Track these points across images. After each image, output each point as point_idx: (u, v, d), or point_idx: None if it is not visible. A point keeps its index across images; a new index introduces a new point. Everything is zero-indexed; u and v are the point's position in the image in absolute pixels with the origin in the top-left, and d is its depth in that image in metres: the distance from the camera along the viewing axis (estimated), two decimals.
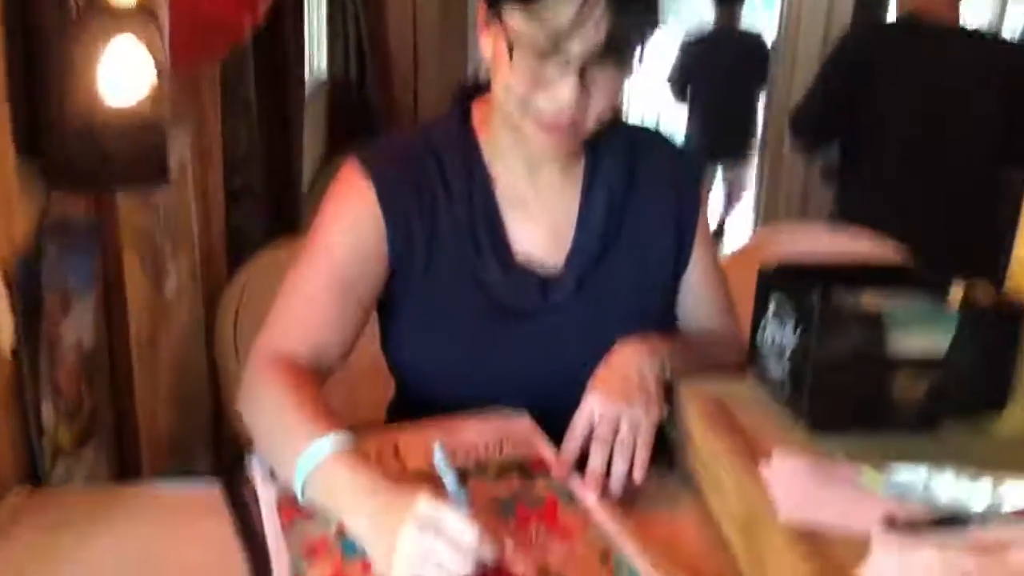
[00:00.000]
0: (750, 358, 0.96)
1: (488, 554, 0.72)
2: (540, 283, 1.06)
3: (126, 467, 1.32)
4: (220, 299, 1.57)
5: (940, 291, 0.93)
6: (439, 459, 0.73)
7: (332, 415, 0.88)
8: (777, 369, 0.91)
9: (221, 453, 1.70)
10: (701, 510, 0.90)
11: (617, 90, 0.97)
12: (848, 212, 2.43)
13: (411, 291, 1.05)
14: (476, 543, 0.71)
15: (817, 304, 0.85)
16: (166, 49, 0.99)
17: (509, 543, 0.76)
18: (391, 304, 1.07)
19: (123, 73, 0.92)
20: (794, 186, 3.62)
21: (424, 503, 0.73)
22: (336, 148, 3.18)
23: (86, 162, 0.91)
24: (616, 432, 0.91)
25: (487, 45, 0.99)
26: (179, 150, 1.52)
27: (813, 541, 0.73)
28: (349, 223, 1.03)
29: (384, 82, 3.33)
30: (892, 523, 0.76)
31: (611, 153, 1.09)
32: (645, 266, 1.10)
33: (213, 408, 1.69)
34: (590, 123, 0.98)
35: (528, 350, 1.05)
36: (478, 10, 0.99)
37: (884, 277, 0.95)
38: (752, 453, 0.85)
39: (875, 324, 0.85)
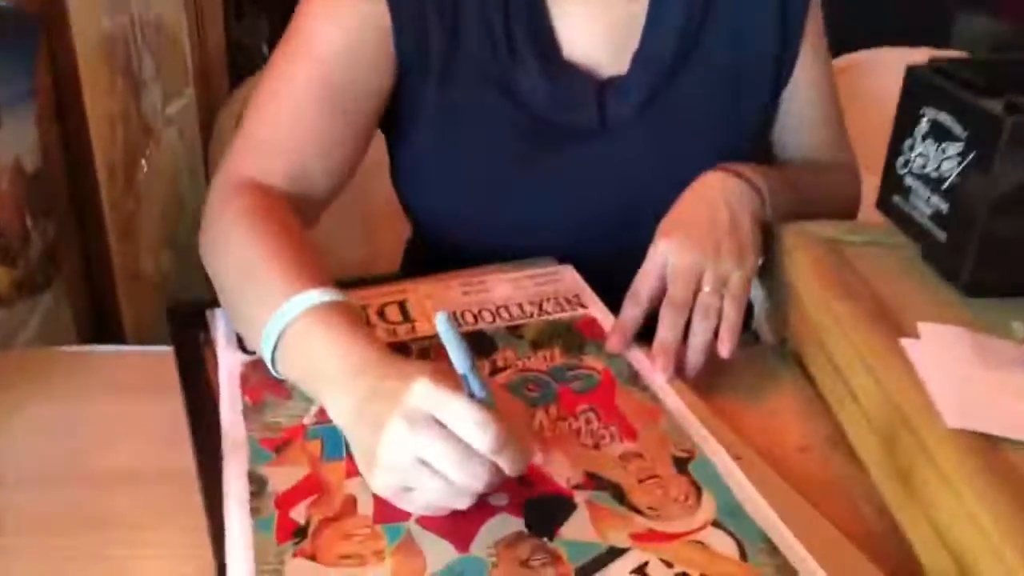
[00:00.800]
0: (884, 193, 0.71)
1: (511, 463, 0.50)
2: (596, 92, 0.80)
3: (103, 324, 1.12)
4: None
5: None
6: (443, 330, 0.50)
7: (318, 264, 0.65)
8: (926, 208, 0.66)
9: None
10: (808, 396, 0.67)
11: None
12: None
13: (423, 103, 0.80)
14: (493, 446, 0.49)
15: (1003, 115, 0.58)
16: None
17: (539, 454, 0.54)
18: (399, 121, 0.82)
19: None
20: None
21: (421, 387, 0.50)
22: None
23: None
24: (696, 291, 0.68)
25: None
26: None
27: (987, 453, 0.50)
28: (340, 9, 0.76)
29: None
30: None
31: None
32: (737, 74, 0.83)
33: None
34: None
35: (577, 183, 0.80)
36: None
37: None
38: (889, 323, 0.61)
39: None
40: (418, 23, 0.77)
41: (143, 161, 1.21)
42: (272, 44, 1.64)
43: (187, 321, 0.72)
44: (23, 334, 0.90)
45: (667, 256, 0.69)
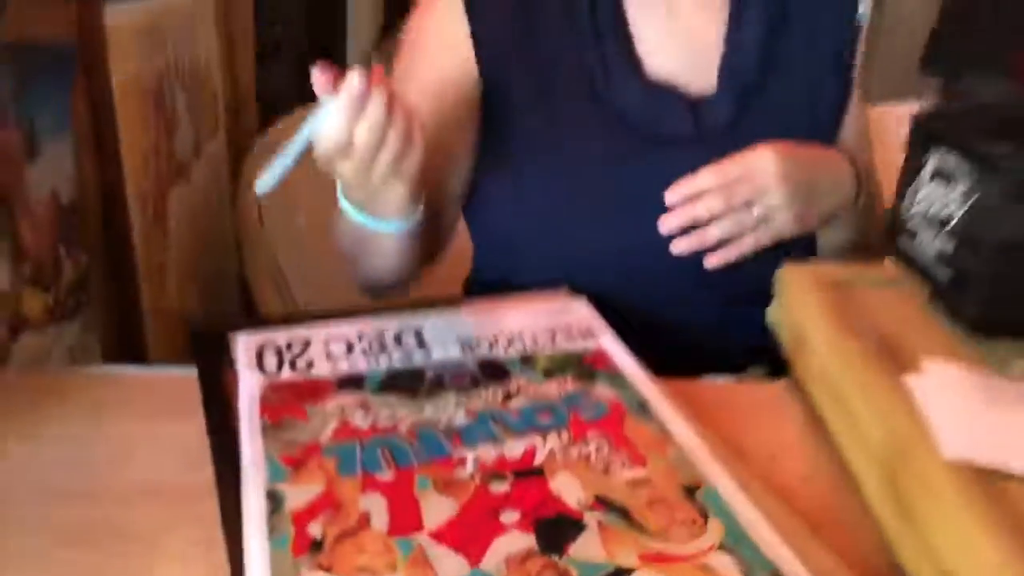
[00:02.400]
0: (890, 232, 0.73)
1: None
2: (690, 104, 0.85)
3: (128, 352, 1.15)
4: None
5: None
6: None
7: None
8: (931, 250, 0.67)
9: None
10: (814, 428, 0.68)
11: None
12: None
13: (516, 124, 0.85)
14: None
15: (999, 156, 0.60)
16: None
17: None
18: (489, 147, 0.88)
19: None
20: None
21: None
22: (394, 22, 2.94)
23: None
24: (748, 204, 0.77)
25: None
26: None
27: (988, 485, 0.52)
28: (431, 38, 0.85)
29: None
30: None
31: None
32: (808, 98, 0.89)
33: (242, 285, 1.51)
34: None
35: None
36: None
37: None
38: (894, 360, 0.63)
39: None
40: (503, 46, 0.84)
41: (173, 196, 1.25)
42: (305, 88, 1.69)
43: (210, 344, 0.74)
44: (52, 359, 0.93)
45: (757, 161, 0.76)
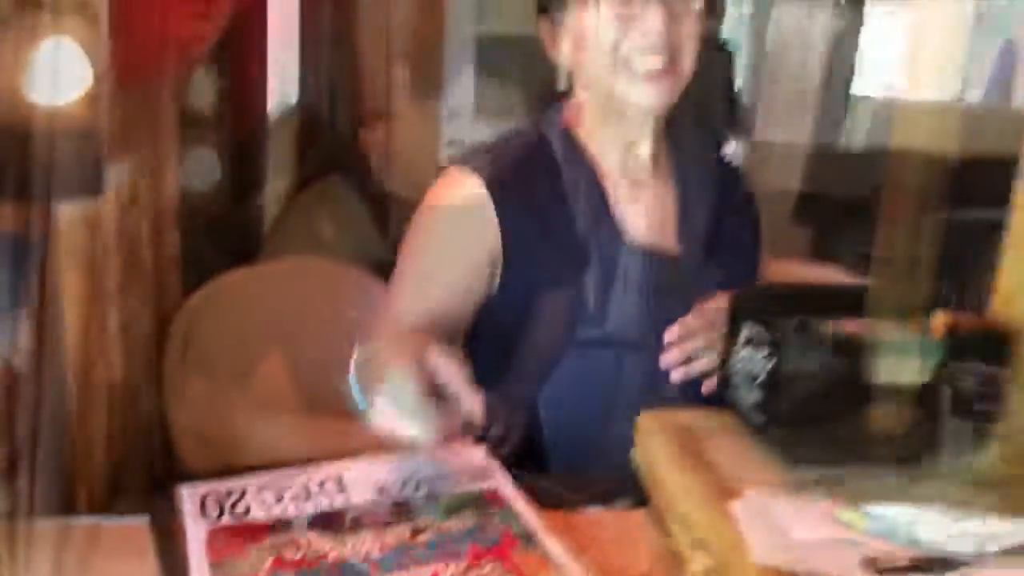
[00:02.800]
0: (719, 387, 0.91)
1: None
2: (665, 261, 1.08)
3: (61, 504, 1.23)
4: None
5: (922, 318, 0.88)
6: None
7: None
8: (749, 398, 0.85)
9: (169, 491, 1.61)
10: (669, 551, 0.83)
11: (701, 19, 1.02)
12: None
13: (526, 283, 1.06)
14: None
15: (790, 328, 0.79)
16: (105, 52, 0.93)
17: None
18: (498, 300, 1.07)
19: (55, 73, 0.86)
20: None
21: None
22: (305, 185, 3.12)
23: (10, 166, 0.85)
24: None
25: (562, 44, 1.07)
26: (130, 169, 1.46)
27: None
28: (459, 229, 1.05)
29: (355, 116, 3.29)
30: (873, 566, 0.70)
31: (689, 148, 1.15)
32: (750, 251, 1.17)
33: (164, 442, 1.60)
34: (685, 63, 1.02)
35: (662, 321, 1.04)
36: (540, 30, 1.10)
37: (861, 303, 0.90)
38: (724, 489, 0.79)
39: (852, 350, 0.80)
40: (522, 231, 1.05)
41: (102, 363, 1.35)
42: (225, 255, 1.83)
43: (159, 496, 0.86)
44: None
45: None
